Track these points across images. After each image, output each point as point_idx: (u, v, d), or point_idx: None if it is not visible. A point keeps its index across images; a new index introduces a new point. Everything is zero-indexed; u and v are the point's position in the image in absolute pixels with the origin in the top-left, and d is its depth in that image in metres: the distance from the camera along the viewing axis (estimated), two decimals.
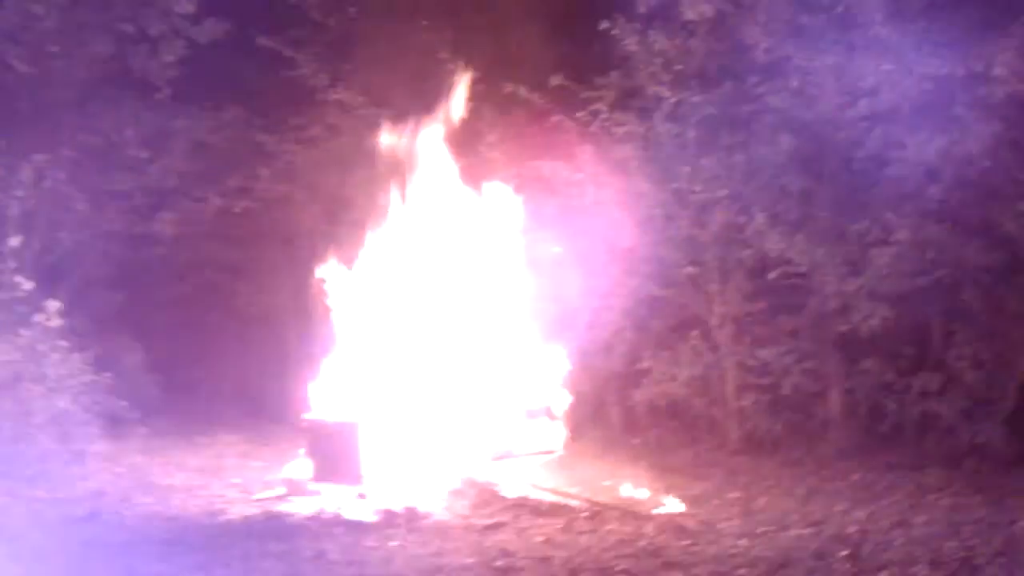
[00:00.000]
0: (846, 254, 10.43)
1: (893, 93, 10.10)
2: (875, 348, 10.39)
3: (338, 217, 12.26)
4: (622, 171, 11.34)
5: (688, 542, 7.30)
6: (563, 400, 9.34)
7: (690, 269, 11.22)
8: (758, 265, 10.96)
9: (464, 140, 9.68)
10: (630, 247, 11.31)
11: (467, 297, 9.44)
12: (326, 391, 8.76)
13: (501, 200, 9.81)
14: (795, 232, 10.54)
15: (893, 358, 10.33)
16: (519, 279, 9.59)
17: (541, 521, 7.82)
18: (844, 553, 6.94)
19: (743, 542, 7.28)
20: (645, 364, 11.33)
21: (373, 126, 10.85)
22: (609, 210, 11.29)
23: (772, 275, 10.78)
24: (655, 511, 8.17)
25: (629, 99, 11.35)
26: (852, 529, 7.59)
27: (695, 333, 11.23)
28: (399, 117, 10.34)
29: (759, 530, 7.59)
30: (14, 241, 9.98)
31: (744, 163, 10.74)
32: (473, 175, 9.95)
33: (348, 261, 9.62)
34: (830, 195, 10.60)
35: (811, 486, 8.99)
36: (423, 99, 10.47)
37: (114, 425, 10.24)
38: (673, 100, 10.99)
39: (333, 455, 8.44)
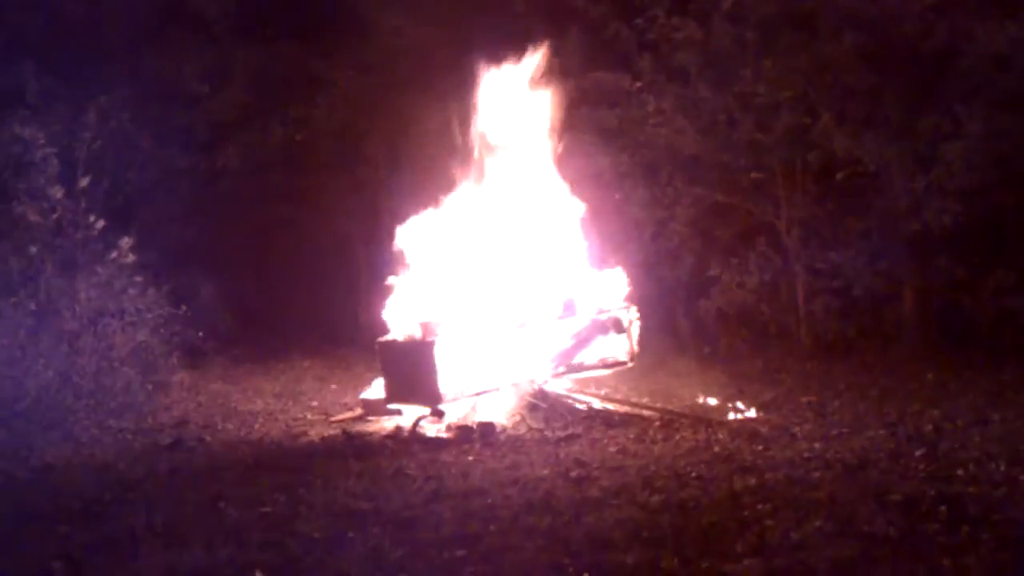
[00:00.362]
0: (915, 151, 10.22)
1: None
2: (947, 246, 10.22)
3: (399, 142, 12.28)
4: (682, 78, 11.18)
5: (761, 447, 7.32)
6: (632, 312, 9.34)
7: (755, 174, 11.08)
8: (825, 167, 10.80)
9: (521, 56, 9.53)
10: (693, 155, 11.18)
11: (534, 215, 9.43)
12: (399, 313, 8.85)
13: (561, 117, 9.72)
14: (863, 131, 10.34)
15: (966, 256, 10.16)
16: (583, 195, 9.53)
17: (614, 432, 7.89)
18: (920, 452, 6.91)
19: (817, 445, 7.28)
20: (713, 273, 11.28)
21: (429, 50, 10.83)
22: (671, 119, 11.16)
23: (840, 176, 10.62)
24: (727, 418, 8.19)
25: (686, 3, 11.14)
26: (928, 428, 7.56)
27: (762, 239, 11.14)
28: (454, 40, 10.28)
29: (833, 432, 7.58)
30: (83, 182, 10.15)
31: (807, 62, 10.51)
32: (532, 90, 9.84)
33: (413, 187, 9.62)
34: (897, 91, 10.35)
35: (885, 388, 8.94)
36: (478, 16, 10.39)
37: (193, 356, 10.49)
38: (731, 1, 10.76)
39: (408, 375, 8.54)
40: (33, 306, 9.60)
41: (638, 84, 11.33)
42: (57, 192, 10.04)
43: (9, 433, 8.43)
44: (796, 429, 7.74)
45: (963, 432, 7.38)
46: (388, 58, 12.56)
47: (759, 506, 6.10)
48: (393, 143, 12.63)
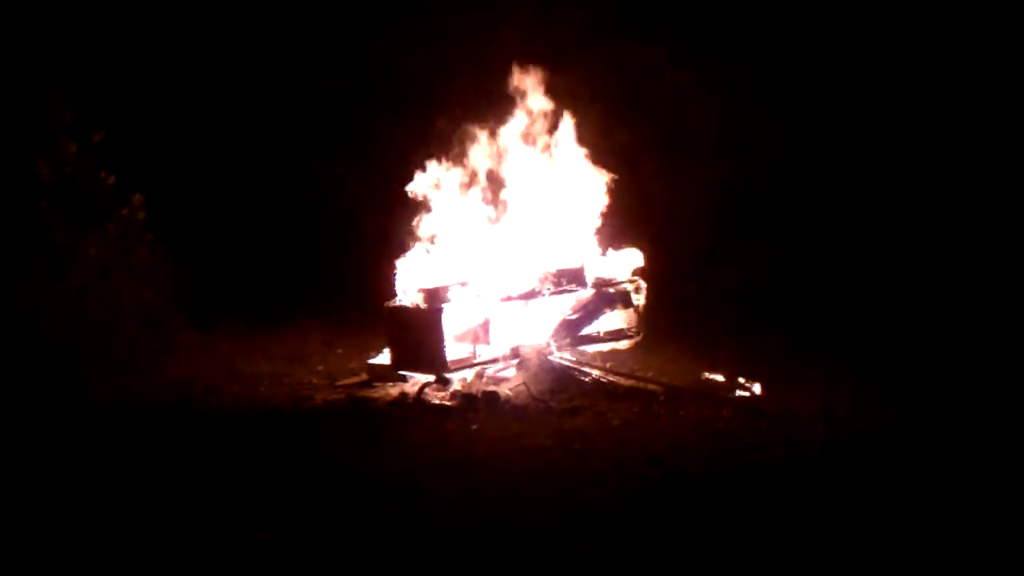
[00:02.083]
0: None
1: None
2: None
3: (414, 108, 12.21)
4: (702, 50, 11.09)
5: (765, 425, 7.31)
6: (640, 286, 9.32)
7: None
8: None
9: (533, 25, 9.46)
10: (710, 129, 11.12)
11: (545, 186, 9.39)
12: (408, 279, 8.84)
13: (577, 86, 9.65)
14: None
15: None
16: (596, 164, 9.49)
17: (618, 405, 7.88)
18: (927, 437, 6.90)
19: (822, 426, 7.26)
20: (724, 247, 11.24)
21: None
22: (689, 92, 11.09)
23: None
24: (733, 394, 8.18)
25: None
26: (940, 410, 7.53)
27: (775, 215, 11.08)
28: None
29: (836, 411, 7.55)
30: (97, 136, 10.12)
31: None
32: (547, 59, 9.77)
33: (427, 154, 9.58)
34: None
35: (894, 370, 8.87)
36: None
37: (201, 315, 10.48)
38: None
39: (414, 342, 8.54)
40: (40, 259, 9.60)
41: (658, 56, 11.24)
42: (71, 147, 10.01)
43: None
44: (801, 408, 7.72)
45: None
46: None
47: (760, 483, 6.12)
48: (408, 108, 12.56)
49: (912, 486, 6.06)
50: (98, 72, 11.51)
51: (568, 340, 9.00)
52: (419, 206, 9.26)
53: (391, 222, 9.77)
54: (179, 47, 12.91)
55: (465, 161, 9.38)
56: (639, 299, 9.33)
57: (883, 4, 10.94)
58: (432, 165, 9.31)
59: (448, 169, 9.32)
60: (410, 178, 9.32)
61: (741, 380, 8.38)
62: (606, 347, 9.23)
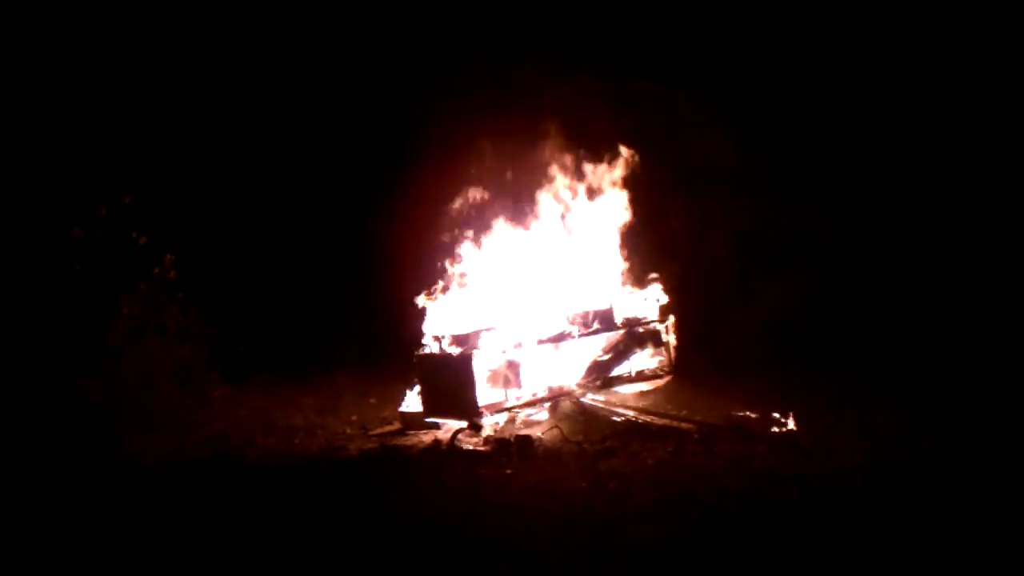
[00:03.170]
0: None
1: None
2: None
3: (441, 158, 12.32)
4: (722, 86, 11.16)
5: (802, 460, 7.26)
6: (670, 324, 9.31)
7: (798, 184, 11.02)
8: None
9: (555, 71, 9.57)
10: (733, 165, 11.15)
11: (572, 229, 9.45)
12: (437, 326, 8.88)
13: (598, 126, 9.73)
14: None
15: None
16: (623, 204, 9.54)
17: (652, 444, 7.85)
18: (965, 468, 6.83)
19: (859, 457, 7.21)
20: (752, 284, 11.22)
21: None
22: (710, 128, 11.14)
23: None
24: (767, 430, 8.13)
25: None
26: (974, 438, 7.47)
27: (804, 250, 11.07)
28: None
29: (874, 445, 7.50)
30: (126, 198, 10.27)
31: None
32: (569, 103, 9.87)
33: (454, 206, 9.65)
34: None
35: (928, 401, 8.81)
36: None
37: (234, 370, 10.56)
38: None
39: (446, 389, 8.56)
40: (76, 323, 9.73)
41: (679, 94, 11.31)
42: (101, 210, 10.16)
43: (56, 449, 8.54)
44: (837, 441, 7.67)
45: None
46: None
47: (800, 518, 6.07)
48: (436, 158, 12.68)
49: (953, 517, 5.99)
50: (126, 133, 11.73)
51: (599, 381, 9.00)
52: (446, 253, 9.32)
53: (419, 270, 9.84)
54: (202, 108, 13.13)
55: (492, 206, 9.44)
56: (669, 338, 9.32)
57: (907, 36, 10.96)
58: (459, 212, 9.39)
59: (475, 214, 9.39)
60: (438, 225, 9.39)
61: (775, 415, 8.34)
62: (638, 387, 9.20)
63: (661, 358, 9.26)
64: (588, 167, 9.53)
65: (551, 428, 8.37)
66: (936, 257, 10.77)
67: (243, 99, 13.46)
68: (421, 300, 8.92)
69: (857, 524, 5.94)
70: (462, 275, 9.16)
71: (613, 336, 9.14)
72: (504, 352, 8.66)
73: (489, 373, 8.69)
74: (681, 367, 9.38)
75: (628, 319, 9.24)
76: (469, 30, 12.42)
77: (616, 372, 9.13)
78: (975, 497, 6.25)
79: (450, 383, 8.52)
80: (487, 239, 9.34)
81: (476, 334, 8.63)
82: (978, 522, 5.83)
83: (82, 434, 8.82)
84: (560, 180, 9.50)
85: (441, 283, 9.15)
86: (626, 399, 9.00)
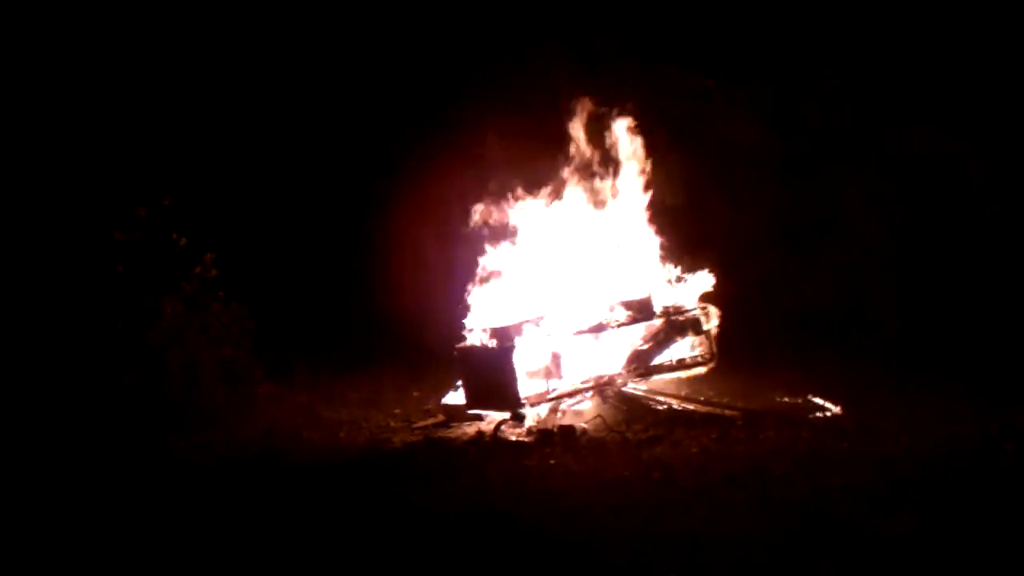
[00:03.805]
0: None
1: None
2: None
3: (474, 147, 12.34)
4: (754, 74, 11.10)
5: (847, 444, 7.23)
6: (711, 312, 9.28)
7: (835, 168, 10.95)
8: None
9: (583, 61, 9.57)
10: (765, 150, 11.10)
11: (609, 217, 9.44)
12: (477, 319, 8.91)
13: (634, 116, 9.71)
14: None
15: None
16: (660, 194, 9.52)
17: (696, 432, 7.84)
18: (1011, 446, 6.77)
19: (904, 440, 7.17)
20: (791, 269, 11.16)
21: None
22: (742, 114, 11.09)
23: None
24: (811, 415, 8.09)
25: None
26: (1020, 422, 7.38)
27: (839, 232, 11.00)
28: None
29: (919, 427, 7.45)
30: (165, 200, 10.39)
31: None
32: (600, 93, 9.84)
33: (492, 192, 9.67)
34: None
35: (973, 383, 8.73)
36: None
37: (277, 367, 10.65)
38: None
39: (488, 381, 8.59)
40: (120, 324, 9.86)
41: (709, 80, 11.27)
42: (141, 212, 10.27)
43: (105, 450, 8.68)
44: (882, 425, 7.63)
45: None
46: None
47: (847, 504, 6.04)
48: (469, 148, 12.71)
49: (1002, 500, 5.94)
50: (164, 136, 11.87)
51: (641, 370, 8.99)
52: (485, 245, 9.34)
53: (459, 263, 9.89)
54: (237, 107, 13.25)
55: (527, 197, 9.46)
56: (710, 326, 9.29)
57: (930, 20, 10.87)
58: (494, 204, 9.41)
59: (512, 207, 9.40)
60: (474, 218, 9.42)
61: (818, 400, 8.30)
62: (679, 375, 9.19)
63: (702, 346, 9.22)
64: (622, 155, 9.50)
65: (594, 418, 8.38)
66: (981, 241, 10.65)
67: (276, 98, 13.55)
68: (472, 292, 8.97)
69: (904, 509, 5.90)
70: (500, 267, 9.18)
71: (653, 325, 9.12)
72: (545, 343, 8.67)
73: (531, 364, 8.71)
74: (722, 354, 9.34)
75: (667, 307, 9.22)
76: (500, 19, 12.44)
77: (657, 361, 9.11)
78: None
79: (492, 375, 8.55)
80: (524, 230, 9.35)
81: (517, 326, 8.65)
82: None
83: (129, 434, 8.97)
84: (594, 169, 9.48)
85: (480, 275, 9.19)
86: (668, 387, 9.00)
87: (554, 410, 8.57)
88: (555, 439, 7.98)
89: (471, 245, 9.42)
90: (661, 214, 9.49)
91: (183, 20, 13.10)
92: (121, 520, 6.80)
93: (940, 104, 10.54)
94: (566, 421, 8.37)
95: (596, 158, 9.53)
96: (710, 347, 9.25)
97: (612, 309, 8.96)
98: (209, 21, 13.25)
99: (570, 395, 8.68)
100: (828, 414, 8.10)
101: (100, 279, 10.01)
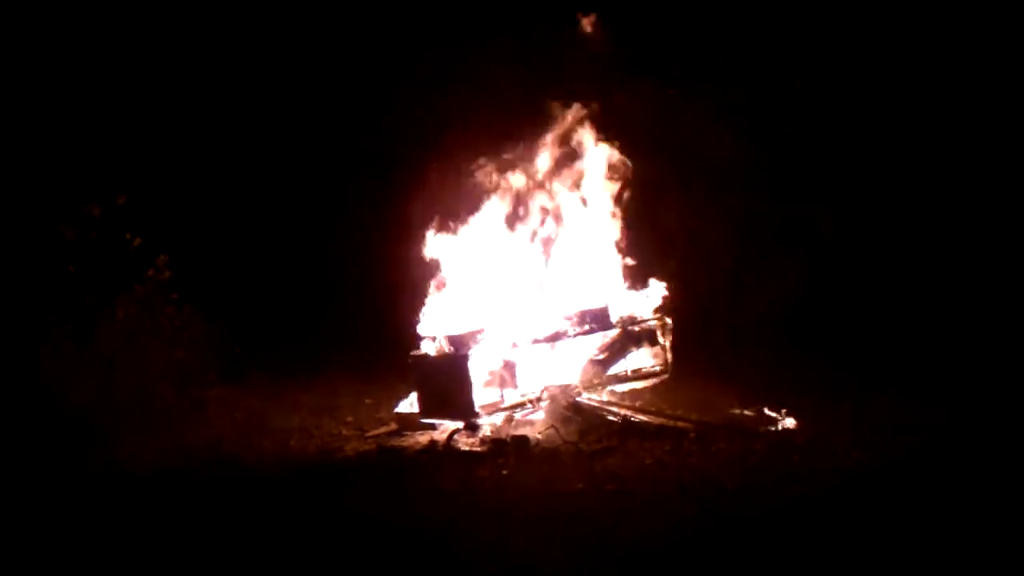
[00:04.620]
0: None
1: None
2: None
3: (432, 152, 12.29)
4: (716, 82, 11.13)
5: (798, 457, 7.25)
6: (666, 322, 9.28)
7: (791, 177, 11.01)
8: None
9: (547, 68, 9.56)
10: (726, 161, 11.13)
11: (567, 226, 9.42)
12: (432, 326, 8.86)
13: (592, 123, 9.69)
14: None
15: None
16: (617, 202, 9.51)
17: (649, 444, 7.83)
18: (962, 457, 6.83)
19: (855, 454, 7.20)
20: (748, 280, 11.21)
21: None
22: (704, 125, 11.12)
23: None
24: (764, 428, 8.11)
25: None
26: (972, 434, 7.45)
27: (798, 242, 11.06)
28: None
29: (872, 439, 7.48)
30: (120, 198, 10.23)
31: None
32: (562, 99, 9.82)
33: (446, 196, 9.63)
34: None
35: (927, 397, 8.79)
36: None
37: (230, 371, 10.53)
38: None
39: (442, 389, 8.53)
40: (71, 326, 9.69)
41: (670, 90, 11.28)
42: (95, 210, 10.11)
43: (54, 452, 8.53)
44: (835, 438, 7.66)
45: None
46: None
47: (797, 516, 6.06)
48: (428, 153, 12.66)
49: (950, 516, 5.97)
50: (119, 133, 11.69)
51: (596, 380, 8.97)
52: (441, 252, 9.29)
53: (414, 269, 9.84)
54: (194, 106, 13.11)
55: (485, 203, 9.41)
56: (666, 336, 9.29)
57: (898, 33, 10.98)
58: (451, 210, 9.37)
59: (469, 213, 9.36)
60: (431, 225, 9.36)
61: (772, 413, 8.32)
62: (635, 386, 9.18)
63: (657, 356, 9.23)
64: (580, 164, 9.49)
65: (548, 428, 8.35)
66: (935, 247, 10.76)
67: (234, 99, 13.44)
68: (430, 297, 8.92)
69: (853, 523, 5.92)
70: (455, 275, 9.13)
71: (609, 335, 9.11)
72: (500, 352, 8.63)
73: (485, 373, 8.67)
74: (678, 365, 9.35)
75: (624, 318, 9.21)
76: (457, 25, 12.39)
77: (613, 371, 9.11)
78: (973, 496, 6.24)
79: (446, 384, 8.50)
80: (480, 238, 9.31)
81: (472, 334, 8.61)
82: (977, 522, 5.81)
83: (75, 439, 8.80)
84: (552, 178, 9.46)
85: (435, 282, 9.13)
86: (623, 398, 8.98)
87: (508, 420, 8.53)
88: (509, 449, 7.94)
89: (428, 250, 9.36)
90: (620, 224, 9.48)
91: (144, 14, 12.94)
92: (58, 534, 6.67)
93: (897, 109, 10.65)
94: (520, 431, 8.33)
95: (558, 164, 9.51)
96: (666, 358, 9.25)
97: (569, 318, 8.94)
98: (169, 17, 13.10)
99: (525, 405, 8.64)
100: (781, 427, 8.12)
101: (49, 279, 9.82)
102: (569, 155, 9.54)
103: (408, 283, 10.02)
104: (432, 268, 9.27)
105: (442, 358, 8.56)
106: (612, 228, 9.46)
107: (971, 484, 6.43)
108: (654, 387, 9.22)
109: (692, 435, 7.96)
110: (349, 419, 9.46)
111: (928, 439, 7.42)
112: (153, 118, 12.63)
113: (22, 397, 9.30)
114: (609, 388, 9.05)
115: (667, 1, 11.49)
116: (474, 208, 9.38)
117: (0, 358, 9.55)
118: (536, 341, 8.80)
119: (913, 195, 11.01)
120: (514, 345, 8.67)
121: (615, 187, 9.58)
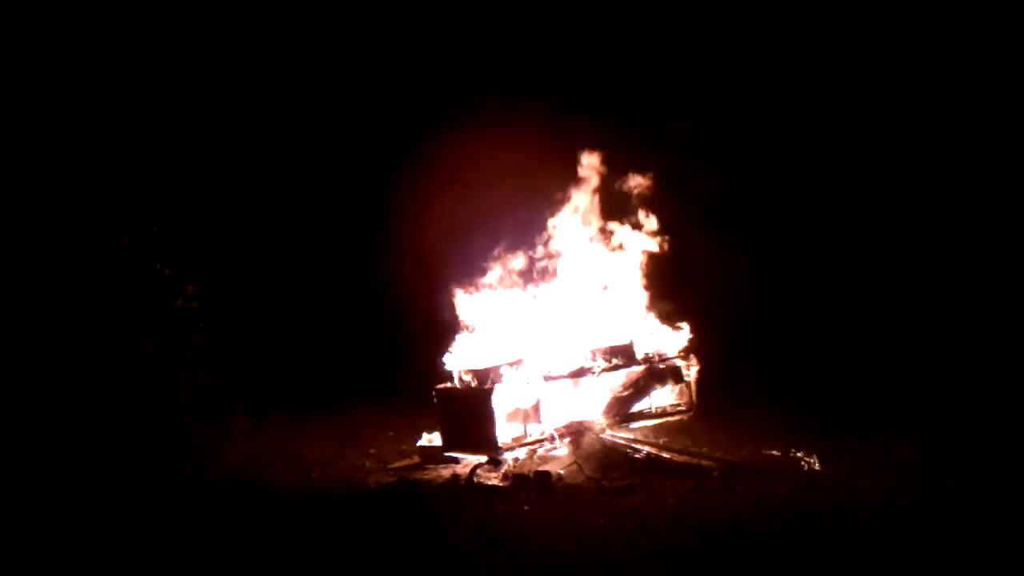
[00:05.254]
0: None
1: None
2: None
3: (460, 194, 12.37)
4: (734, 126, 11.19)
5: (823, 499, 7.18)
6: (691, 361, 9.25)
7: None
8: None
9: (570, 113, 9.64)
10: (749, 202, 11.15)
11: (593, 265, 9.43)
12: (457, 361, 8.87)
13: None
14: None
15: None
16: (643, 240, 9.53)
17: (672, 482, 7.78)
18: (990, 505, 6.74)
19: (880, 497, 7.12)
20: (774, 320, 11.17)
21: None
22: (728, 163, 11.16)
23: None
24: (789, 469, 8.04)
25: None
26: (999, 479, 7.36)
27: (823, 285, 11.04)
28: None
29: (895, 484, 7.41)
30: (151, 229, 10.34)
31: None
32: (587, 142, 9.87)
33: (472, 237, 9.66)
34: None
35: (954, 441, 8.70)
36: None
37: (255, 402, 10.57)
38: None
39: (466, 423, 8.53)
40: (100, 354, 9.78)
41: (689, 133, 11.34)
42: (125, 241, 10.22)
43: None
44: (861, 481, 7.58)
45: None
46: None
47: (820, 559, 6.00)
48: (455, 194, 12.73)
49: (975, 559, 5.90)
50: (150, 165, 11.85)
51: (619, 417, 8.93)
52: (467, 288, 9.31)
53: (440, 305, 9.87)
54: (221, 140, 13.27)
55: (512, 243, 9.45)
56: (690, 374, 9.26)
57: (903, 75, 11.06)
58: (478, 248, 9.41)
59: (496, 252, 9.39)
60: (459, 261, 9.40)
61: (797, 453, 8.25)
62: (658, 423, 9.14)
63: (682, 394, 9.19)
64: (607, 202, 9.52)
65: (570, 464, 8.31)
66: (962, 291, 10.71)
67: (268, 133, 13.58)
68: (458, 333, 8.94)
69: (880, 566, 5.85)
70: (482, 311, 9.14)
71: (634, 372, 9.09)
72: (524, 387, 8.62)
73: (509, 408, 8.65)
74: (702, 403, 9.30)
75: (649, 355, 9.19)
76: (482, 60, 12.53)
77: (636, 408, 9.07)
78: (1000, 539, 6.15)
79: (470, 417, 8.49)
80: (508, 274, 9.34)
81: (496, 369, 8.60)
82: (1002, 566, 5.74)
83: (101, 464, 8.86)
84: (580, 216, 9.49)
85: (463, 318, 9.15)
86: (646, 435, 8.93)
87: (531, 455, 8.50)
88: (531, 485, 7.91)
89: (455, 286, 9.39)
90: (646, 262, 9.48)
91: (170, 45, 13.13)
92: (85, 558, 6.70)
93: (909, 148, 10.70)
94: (543, 466, 8.29)
95: (584, 205, 9.54)
96: (690, 395, 9.21)
97: (594, 355, 8.93)
98: (196, 47, 13.29)
99: (548, 440, 8.61)
100: (806, 468, 8.04)
101: (77, 308, 9.93)
102: (594, 196, 9.57)
103: (433, 319, 10.07)
104: (458, 304, 9.30)
105: (466, 392, 8.55)
106: (638, 266, 9.45)
107: (997, 527, 6.35)
108: (678, 425, 9.17)
109: (716, 474, 7.90)
110: (372, 451, 9.47)
111: (955, 482, 7.32)
112: (179, 147, 12.78)
113: (47, 424, 9.38)
114: (633, 425, 9.00)
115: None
116: (500, 245, 9.41)
117: (28, 386, 9.64)
118: (561, 377, 8.78)
119: (933, 240, 10.97)
120: (538, 380, 8.65)
121: (640, 227, 9.59)
